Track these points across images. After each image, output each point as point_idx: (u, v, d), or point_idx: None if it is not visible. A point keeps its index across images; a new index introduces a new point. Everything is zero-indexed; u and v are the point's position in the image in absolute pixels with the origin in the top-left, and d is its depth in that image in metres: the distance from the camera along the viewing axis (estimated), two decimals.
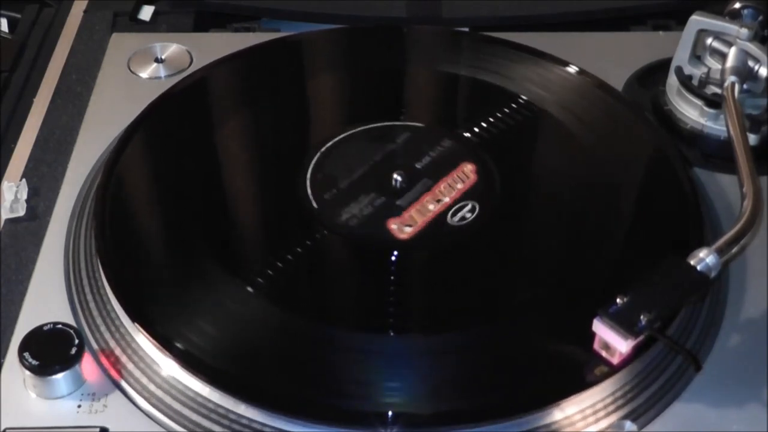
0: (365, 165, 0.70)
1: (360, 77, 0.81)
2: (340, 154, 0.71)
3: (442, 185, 0.69)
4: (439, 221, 0.66)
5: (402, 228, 0.65)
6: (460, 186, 0.69)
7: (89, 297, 0.62)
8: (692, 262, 0.58)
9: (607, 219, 0.67)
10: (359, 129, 0.73)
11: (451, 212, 0.67)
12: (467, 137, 0.73)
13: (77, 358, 0.57)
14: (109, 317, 0.60)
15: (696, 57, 0.76)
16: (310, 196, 0.68)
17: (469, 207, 0.67)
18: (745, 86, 0.72)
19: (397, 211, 0.67)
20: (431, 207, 0.67)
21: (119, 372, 0.58)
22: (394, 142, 0.72)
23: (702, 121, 0.75)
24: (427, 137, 0.73)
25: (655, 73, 0.81)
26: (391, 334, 0.60)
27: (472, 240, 0.66)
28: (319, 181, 0.69)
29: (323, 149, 0.71)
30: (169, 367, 0.57)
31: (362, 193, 0.68)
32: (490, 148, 0.72)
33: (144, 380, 0.57)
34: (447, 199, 0.68)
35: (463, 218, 0.66)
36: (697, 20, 0.74)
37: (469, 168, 0.70)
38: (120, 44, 0.85)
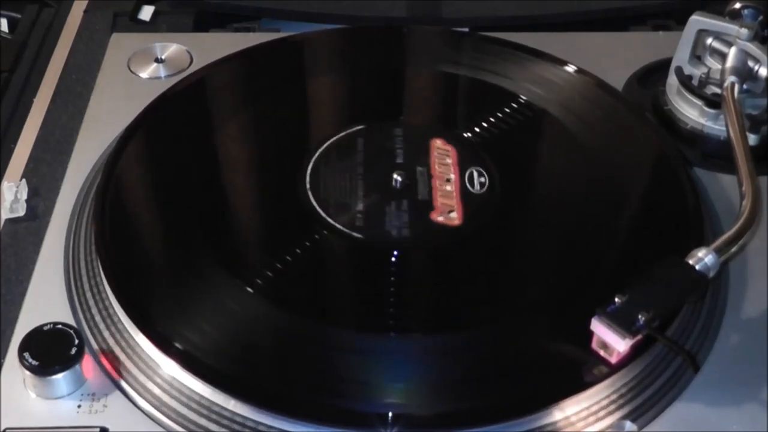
0: (357, 179, 0.69)
1: (360, 77, 0.81)
2: (335, 162, 0.71)
3: (436, 166, 0.69)
4: (466, 195, 0.67)
5: (448, 216, 0.65)
6: (449, 160, 0.70)
7: (89, 297, 0.62)
8: (691, 262, 0.58)
9: (606, 219, 0.67)
10: (329, 142, 0.73)
11: (467, 183, 0.68)
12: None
13: (77, 358, 0.56)
14: (109, 317, 0.60)
15: (696, 57, 0.76)
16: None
17: (475, 172, 0.68)
18: (745, 86, 0.72)
19: (429, 205, 0.67)
20: (449, 188, 0.67)
21: (119, 372, 0.58)
22: (356, 150, 0.72)
23: (702, 121, 0.75)
24: (378, 135, 0.73)
25: (655, 73, 0.81)
26: (392, 334, 0.60)
27: (514, 204, 0.68)
28: (322, 194, 0.68)
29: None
30: (169, 367, 0.57)
31: (384, 205, 0.67)
32: (490, 149, 0.72)
33: (144, 380, 0.57)
34: (452, 175, 0.68)
35: (481, 184, 0.68)
36: (697, 20, 0.74)
37: (439, 142, 0.71)
38: (120, 44, 0.85)
